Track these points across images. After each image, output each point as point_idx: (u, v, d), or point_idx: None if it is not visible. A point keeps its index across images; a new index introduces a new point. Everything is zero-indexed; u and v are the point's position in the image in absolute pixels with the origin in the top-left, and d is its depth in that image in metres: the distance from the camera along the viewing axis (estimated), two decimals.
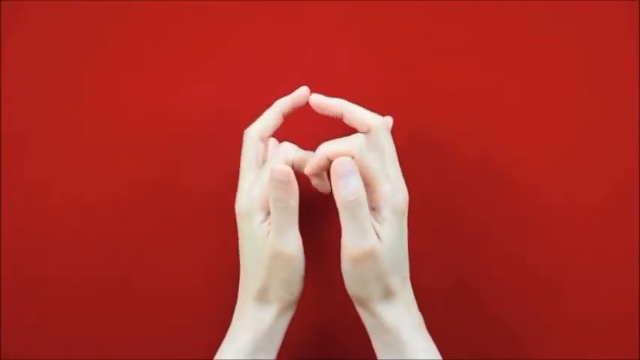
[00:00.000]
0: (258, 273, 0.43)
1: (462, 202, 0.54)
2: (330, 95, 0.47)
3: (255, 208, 0.43)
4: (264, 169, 0.44)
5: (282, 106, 0.47)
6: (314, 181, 0.47)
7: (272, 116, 0.46)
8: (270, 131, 0.46)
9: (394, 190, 0.43)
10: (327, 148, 0.42)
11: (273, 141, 0.48)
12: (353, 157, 0.41)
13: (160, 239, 0.55)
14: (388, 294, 0.43)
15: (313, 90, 0.47)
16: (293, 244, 0.42)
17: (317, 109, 0.46)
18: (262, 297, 0.43)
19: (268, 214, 0.43)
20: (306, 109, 0.47)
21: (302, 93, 0.46)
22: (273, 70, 0.54)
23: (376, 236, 0.41)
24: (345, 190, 0.40)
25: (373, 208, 0.43)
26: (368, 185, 0.42)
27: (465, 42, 0.54)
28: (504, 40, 0.54)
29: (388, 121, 0.48)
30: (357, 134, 0.44)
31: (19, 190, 0.55)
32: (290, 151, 0.45)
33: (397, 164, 0.45)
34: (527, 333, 0.54)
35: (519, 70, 0.54)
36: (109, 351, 0.55)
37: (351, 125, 0.46)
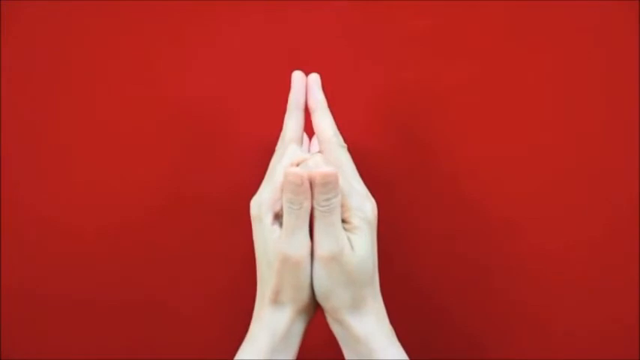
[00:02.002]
0: (271, 276, 0.43)
1: (458, 204, 0.54)
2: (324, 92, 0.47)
3: (264, 210, 0.43)
4: (274, 172, 0.45)
5: (297, 103, 0.47)
6: None
7: (296, 119, 0.47)
8: (300, 133, 0.47)
9: (361, 201, 0.44)
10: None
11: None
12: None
13: (171, 242, 0.55)
14: (358, 305, 0.43)
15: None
16: (301, 247, 0.42)
17: (307, 89, 0.47)
18: (276, 300, 0.44)
19: (276, 216, 0.43)
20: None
21: (302, 83, 0.47)
22: (279, 71, 0.54)
23: (348, 244, 0.42)
24: (324, 197, 0.41)
25: (344, 221, 0.43)
26: None
27: (464, 42, 0.54)
28: (503, 40, 0.54)
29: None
30: (315, 153, 0.46)
31: (22, 192, 0.55)
32: (296, 153, 0.45)
33: (358, 177, 0.46)
34: (523, 334, 0.55)
35: (518, 70, 0.54)
36: (115, 352, 0.55)
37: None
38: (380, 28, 0.54)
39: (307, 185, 0.41)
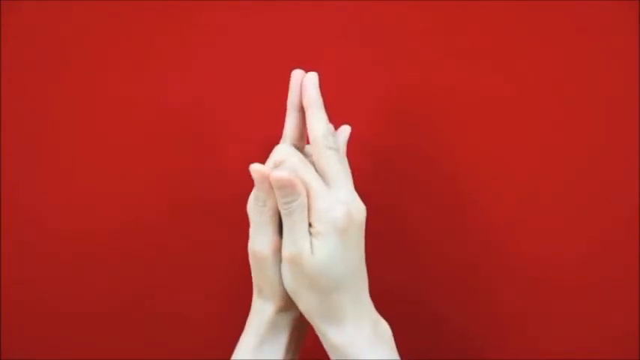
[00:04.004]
0: (252, 271, 0.45)
1: (458, 204, 0.54)
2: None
3: None
4: None
5: (294, 102, 0.46)
6: None
7: (294, 118, 0.46)
8: (297, 133, 0.46)
9: (330, 206, 0.42)
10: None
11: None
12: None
13: (171, 242, 0.56)
14: (334, 313, 0.42)
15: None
16: (264, 243, 0.43)
17: (302, 88, 0.45)
18: (261, 294, 0.45)
19: None
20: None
21: (299, 82, 0.46)
22: (279, 71, 0.54)
23: (309, 246, 0.41)
24: (283, 200, 0.41)
25: (310, 224, 0.42)
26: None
27: (465, 42, 0.54)
28: (504, 40, 0.54)
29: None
30: (298, 154, 0.44)
31: (22, 193, 0.55)
32: (280, 153, 0.45)
33: (344, 179, 0.44)
34: (523, 334, 0.55)
35: (518, 71, 0.54)
36: (116, 352, 0.56)
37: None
38: (380, 28, 0.54)
39: (268, 184, 0.41)
